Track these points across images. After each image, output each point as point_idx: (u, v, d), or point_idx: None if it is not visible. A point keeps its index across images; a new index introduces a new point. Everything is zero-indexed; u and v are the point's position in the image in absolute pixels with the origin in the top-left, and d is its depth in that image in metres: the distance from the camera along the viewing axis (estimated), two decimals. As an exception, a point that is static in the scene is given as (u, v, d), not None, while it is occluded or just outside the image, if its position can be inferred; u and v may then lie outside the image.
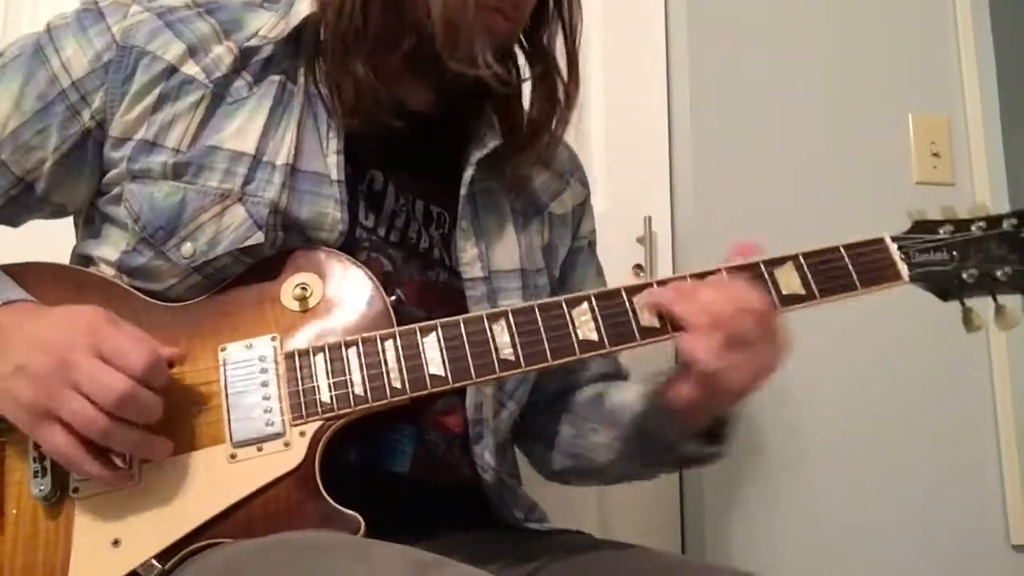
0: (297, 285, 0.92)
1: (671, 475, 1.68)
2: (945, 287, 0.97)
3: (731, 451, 1.01)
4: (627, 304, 0.92)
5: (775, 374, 0.90)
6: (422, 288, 1.01)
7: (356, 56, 0.96)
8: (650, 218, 1.72)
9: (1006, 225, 0.97)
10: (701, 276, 0.93)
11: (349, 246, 0.96)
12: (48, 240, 1.03)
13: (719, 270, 0.94)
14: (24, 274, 0.91)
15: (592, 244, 1.26)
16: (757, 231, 1.69)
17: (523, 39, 1.07)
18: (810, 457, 1.68)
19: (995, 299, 0.97)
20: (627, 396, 1.10)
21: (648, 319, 0.92)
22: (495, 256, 1.06)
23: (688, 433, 0.97)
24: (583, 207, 1.23)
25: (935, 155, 1.85)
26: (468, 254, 1.04)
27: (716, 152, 1.77)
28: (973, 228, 0.97)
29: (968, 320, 0.97)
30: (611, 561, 0.99)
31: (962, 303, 0.98)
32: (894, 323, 1.69)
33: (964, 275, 0.96)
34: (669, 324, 0.91)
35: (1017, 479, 1.70)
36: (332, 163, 0.97)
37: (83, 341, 0.79)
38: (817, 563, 1.64)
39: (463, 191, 1.04)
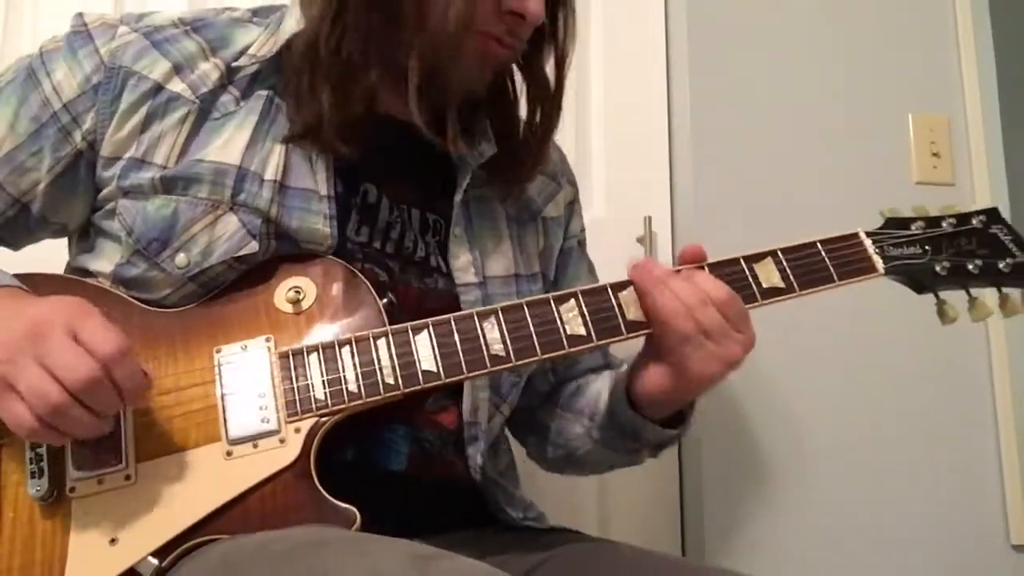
0: (291, 289, 0.93)
1: (671, 475, 1.68)
2: (919, 279, 1.00)
3: (689, 432, 1.05)
4: (613, 300, 0.95)
5: (739, 365, 0.93)
6: (420, 296, 1.02)
7: (324, 83, 0.96)
8: (650, 218, 1.73)
9: (975, 222, 1.02)
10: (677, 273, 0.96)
11: (341, 258, 0.97)
12: (42, 256, 1.03)
13: (701, 267, 0.96)
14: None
15: (582, 243, 1.27)
16: (757, 231, 1.71)
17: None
18: (810, 457, 1.68)
19: (968, 292, 1.01)
20: (599, 385, 1.13)
21: (634, 313, 0.94)
22: (489, 262, 1.07)
23: (653, 419, 1.00)
24: (572, 206, 1.25)
25: (935, 155, 1.84)
26: (461, 260, 1.05)
27: (716, 152, 1.76)
28: (944, 224, 1.02)
29: (943, 312, 1.00)
30: (609, 560, 1.00)
31: (936, 295, 1.01)
32: (893, 323, 1.69)
33: (937, 268, 1.00)
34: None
35: (1017, 479, 1.70)
36: (321, 179, 0.98)
37: (60, 318, 0.78)
38: (817, 563, 1.63)
39: (457, 198, 1.05)
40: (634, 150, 1.80)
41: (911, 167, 1.84)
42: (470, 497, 1.04)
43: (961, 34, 1.90)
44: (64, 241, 1.06)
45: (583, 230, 1.27)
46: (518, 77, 1.10)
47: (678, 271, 0.95)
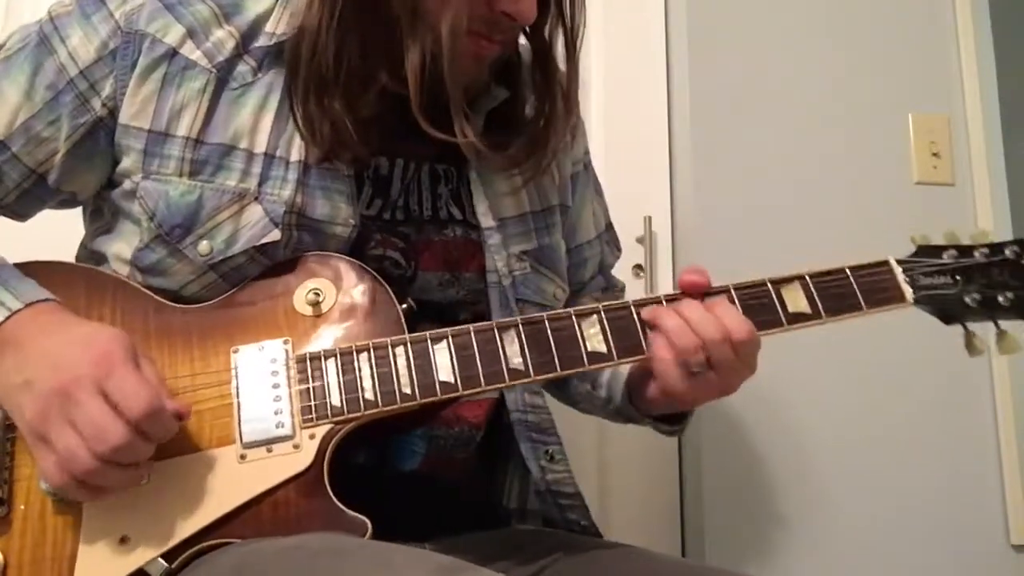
0: (310, 291, 0.92)
1: (671, 476, 1.69)
2: (948, 311, 0.99)
3: (688, 427, 1.09)
4: (635, 318, 0.94)
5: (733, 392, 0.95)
6: (444, 247, 1.02)
7: (333, 94, 0.95)
8: (650, 218, 1.73)
9: (1008, 252, 0.99)
10: (704, 295, 0.95)
11: (362, 235, 0.97)
12: (52, 234, 1.03)
13: (727, 288, 0.95)
14: (35, 274, 0.89)
15: (588, 165, 1.26)
16: (757, 231, 1.72)
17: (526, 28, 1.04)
18: (809, 457, 1.68)
19: (996, 324, 0.99)
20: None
21: None
22: (503, 204, 1.07)
23: (649, 415, 1.03)
24: (575, 128, 1.23)
25: (935, 155, 1.85)
26: (482, 205, 1.05)
27: (716, 152, 1.77)
28: (976, 254, 0.99)
29: (970, 344, 0.99)
30: (616, 562, 1.00)
31: (964, 327, 0.99)
32: (896, 325, 1.69)
33: (967, 299, 0.98)
34: None
35: (1017, 479, 1.71)
36: None
37: (90, 372, 0.77)
38: (817, 564, 1.64)
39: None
40: (634, 150, 1.81)
41: (911, 167, 1.84)
42: (483, 497, 1.04)
43: (961, 34, 1.91)
44: (73, 222, 1.05)
45: (587, 152, 1.26)
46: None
47: (700, 296, 0.95)
